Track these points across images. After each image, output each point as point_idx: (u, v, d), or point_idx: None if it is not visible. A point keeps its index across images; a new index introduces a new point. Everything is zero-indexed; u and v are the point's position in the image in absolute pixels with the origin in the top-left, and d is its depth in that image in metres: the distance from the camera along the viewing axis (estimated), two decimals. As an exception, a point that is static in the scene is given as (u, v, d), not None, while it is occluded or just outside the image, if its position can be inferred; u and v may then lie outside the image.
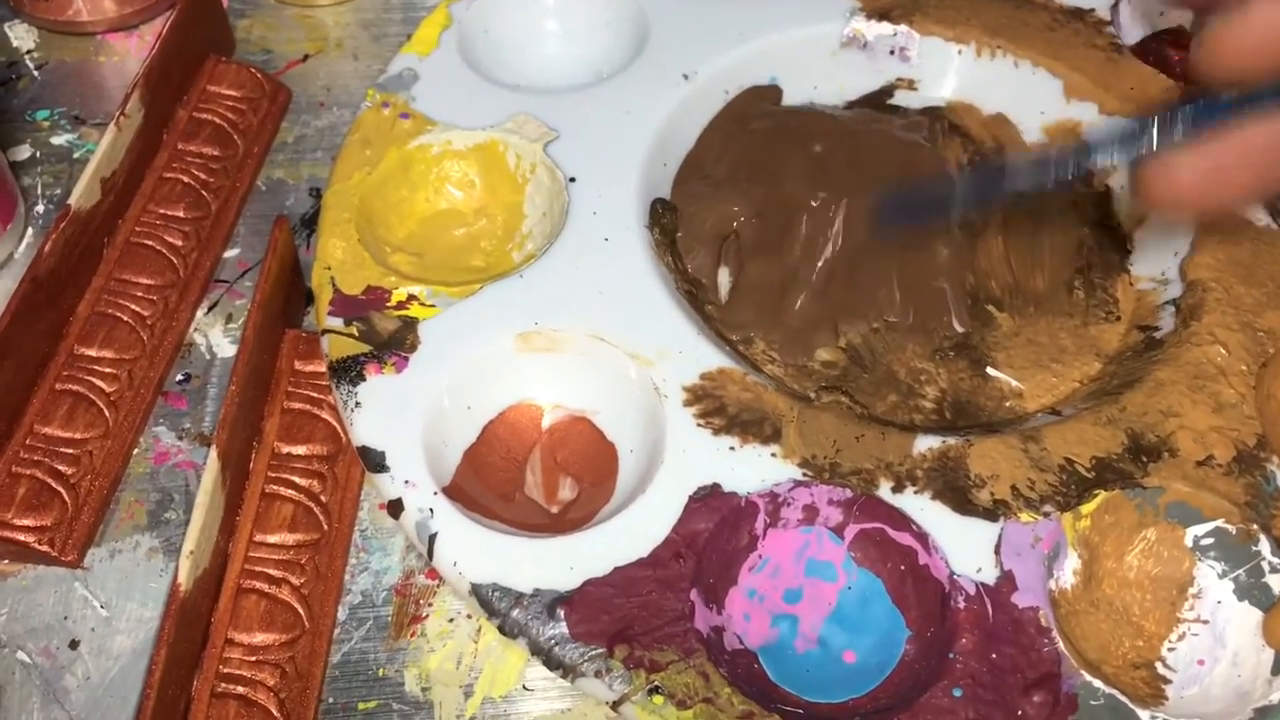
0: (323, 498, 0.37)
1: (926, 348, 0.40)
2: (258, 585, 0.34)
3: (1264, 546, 0.33)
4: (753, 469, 0.34)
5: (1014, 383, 0.39)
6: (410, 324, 0.36)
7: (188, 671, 0.32)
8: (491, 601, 0.31)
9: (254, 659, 0.33)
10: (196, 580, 0.33)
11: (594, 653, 0.30)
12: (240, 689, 0.32)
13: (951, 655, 0.31)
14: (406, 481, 0.33)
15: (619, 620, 0.31)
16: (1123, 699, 0.30)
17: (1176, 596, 0.33)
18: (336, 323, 0.36)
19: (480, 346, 0.36)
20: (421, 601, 0.36)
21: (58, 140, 0.48)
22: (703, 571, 0.32)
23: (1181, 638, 0.33)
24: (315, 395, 0.38)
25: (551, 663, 0.31)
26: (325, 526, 0.36)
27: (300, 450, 0.37)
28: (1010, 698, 0.30)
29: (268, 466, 0.37)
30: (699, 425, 0.34)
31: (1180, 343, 0.37)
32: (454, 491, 0.34)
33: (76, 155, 0.48)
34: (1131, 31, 0.47)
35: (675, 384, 0.35)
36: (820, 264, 0.41)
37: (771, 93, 0.46)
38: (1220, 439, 0.35)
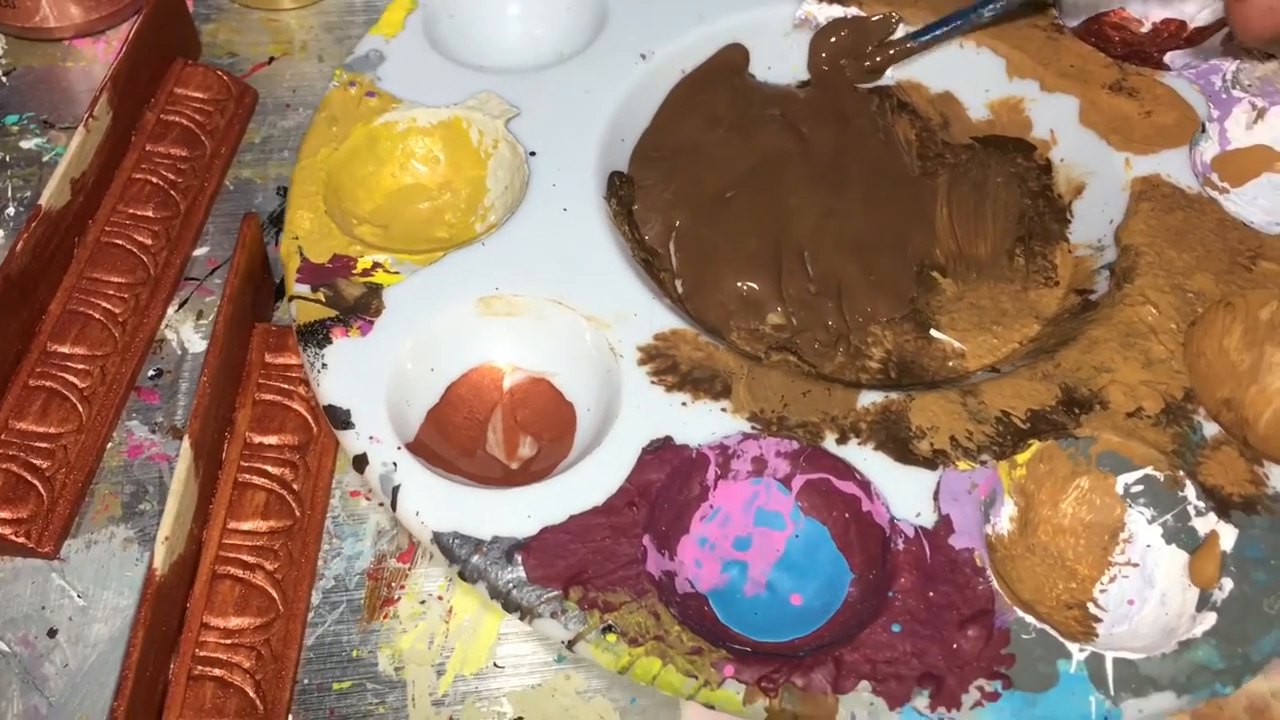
0: (295, 486, 0.38)
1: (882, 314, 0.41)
2: (232, 571, 0.35)
3: (1190, 492, 0.35)
4: (704, 423, 0.35)
5: (956, 344, 0.41)
6: (375, 290, 0.38)
7: (164, 655, 0.33)
8: (452, 549, 0.32)
9: (229, 642, 0.34)
10: (172, 566, 0.33)
11: (550, 595, 0.32)
12: (217, 671, 0.33)
13: (891, 594, 0.32)
14: (371, 438, 0.34)
15: (574, 565, 0.32)
16: (1053, 633, 0.32)
17: (1108, 541, 0.35)
18: (304, 289, 0.38)
19: (443, 311, 0.38)
20: (394, 585, 0.37)
21: (27, 144, 0.49)
22: (655, 519, 0.33)
23: (1113, 580, 0.34)
24: (286, 387, 0.39)
25: (509, 605, 0.32)
26: (298, 513, 0.37)
27: (272, 440, 0.38)
28: (946, 632, 0.32)
29: (240, 456, 0.38)
30: (652, 383, 0.36)
31: (1114, 304, 0.39)
32: (417, 449, 0.35)
33: (46, 159, 0.48)
34: (1073, 15, 0.49)
35: (630, 344, 0.37)
36: (774, 233, 0.42)
37: (738, 53, 0.48)
38: (1150, 392, 0.36)
